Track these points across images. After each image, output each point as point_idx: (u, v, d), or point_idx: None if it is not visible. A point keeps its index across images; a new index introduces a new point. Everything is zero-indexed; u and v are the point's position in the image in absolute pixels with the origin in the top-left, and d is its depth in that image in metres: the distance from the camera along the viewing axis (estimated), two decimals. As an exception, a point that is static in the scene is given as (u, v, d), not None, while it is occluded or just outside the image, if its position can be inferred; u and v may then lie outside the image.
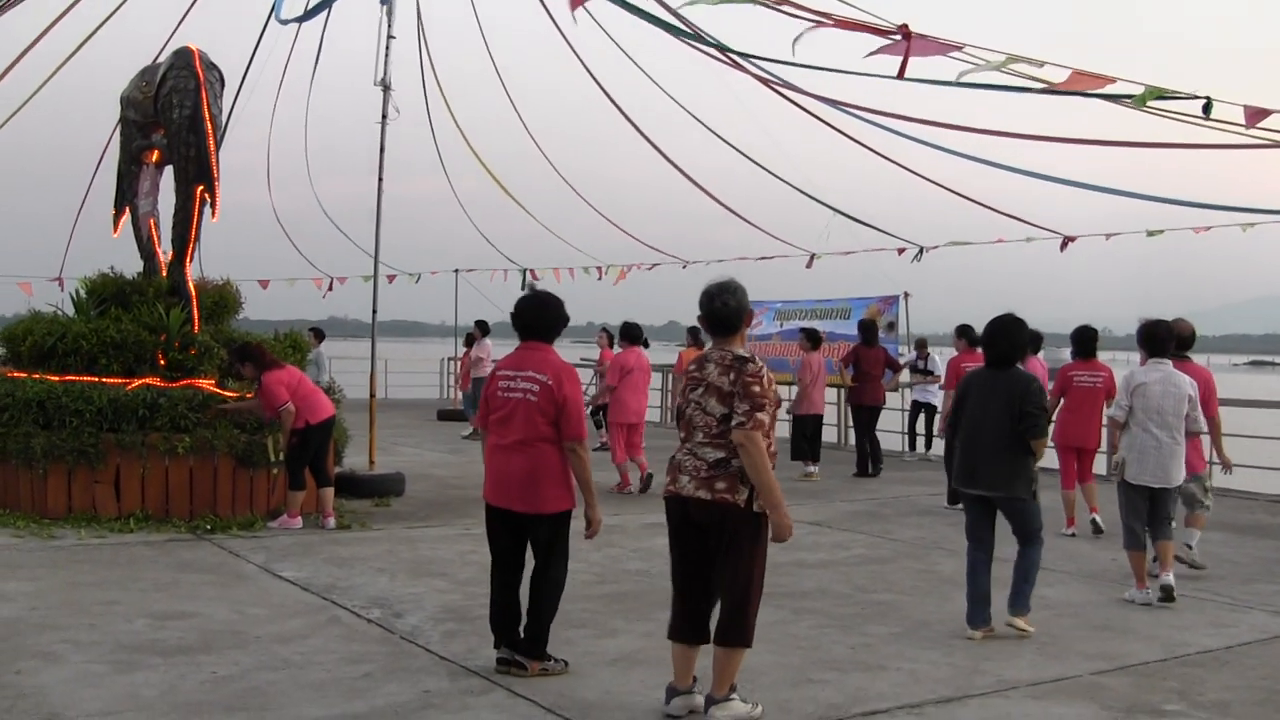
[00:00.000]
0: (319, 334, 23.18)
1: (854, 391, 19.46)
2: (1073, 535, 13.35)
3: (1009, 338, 9.03)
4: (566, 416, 7.46)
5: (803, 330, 19.87)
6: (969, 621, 8.84)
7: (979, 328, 11.30)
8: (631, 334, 17.45)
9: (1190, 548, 11.27)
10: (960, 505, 12.07)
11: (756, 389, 6.59)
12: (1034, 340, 14.16)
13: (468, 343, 25.13)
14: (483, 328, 25.03)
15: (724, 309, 6.85)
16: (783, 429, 23.22)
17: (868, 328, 20.01)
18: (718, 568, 6.83)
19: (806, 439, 18.81)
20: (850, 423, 20.63)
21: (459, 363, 27.74)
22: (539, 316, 7.71)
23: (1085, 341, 13.75)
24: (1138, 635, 8.87)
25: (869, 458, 19.14)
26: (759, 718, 6.76)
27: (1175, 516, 10.51)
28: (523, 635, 7.57)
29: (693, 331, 21.61)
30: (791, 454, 18.66)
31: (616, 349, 18.59)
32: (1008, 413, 8.70)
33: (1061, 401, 13.67)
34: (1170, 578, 10.00)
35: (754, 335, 24.53)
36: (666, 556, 11.16)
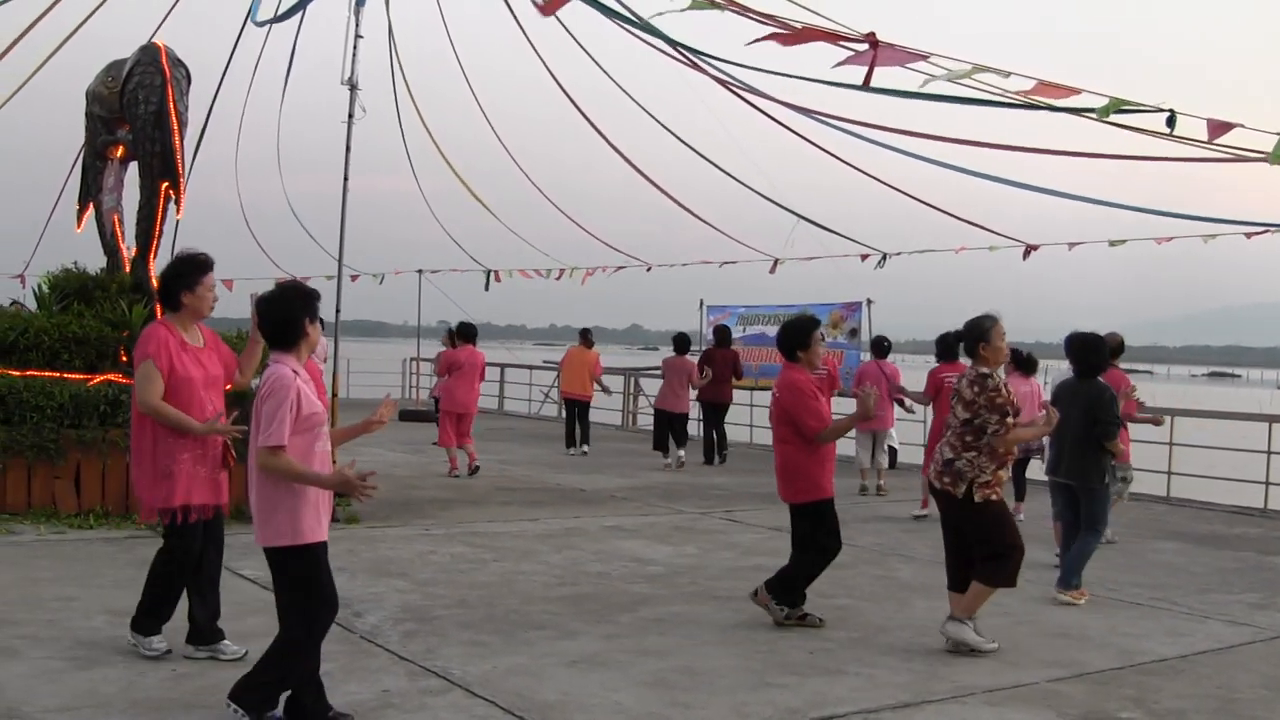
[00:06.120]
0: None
1: (703, 389, 21.20)
2: (924, 516, 15.06)
3: (1092, 353, 10.70)
4: (797, 419, 9.07)
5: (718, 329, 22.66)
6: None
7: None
8: (465, 333, 19.16)
9: None
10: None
11: (999, 399, 8.40)
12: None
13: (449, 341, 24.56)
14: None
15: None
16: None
17: (720, 331, 22.47)
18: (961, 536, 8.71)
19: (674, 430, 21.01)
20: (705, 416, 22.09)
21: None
22: (778, 339, 9.52)
23: (950, 346, 15.24)
24: (1094, 643, 8.94)
25: (715, 448, 21.53)
26: (984, 649, 8.47)
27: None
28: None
29: (583, 333, 23.50)
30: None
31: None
32: (1084, 417, 10.15)
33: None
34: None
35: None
36: (625, 560, 11.32)
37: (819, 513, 9.16)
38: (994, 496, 8.44)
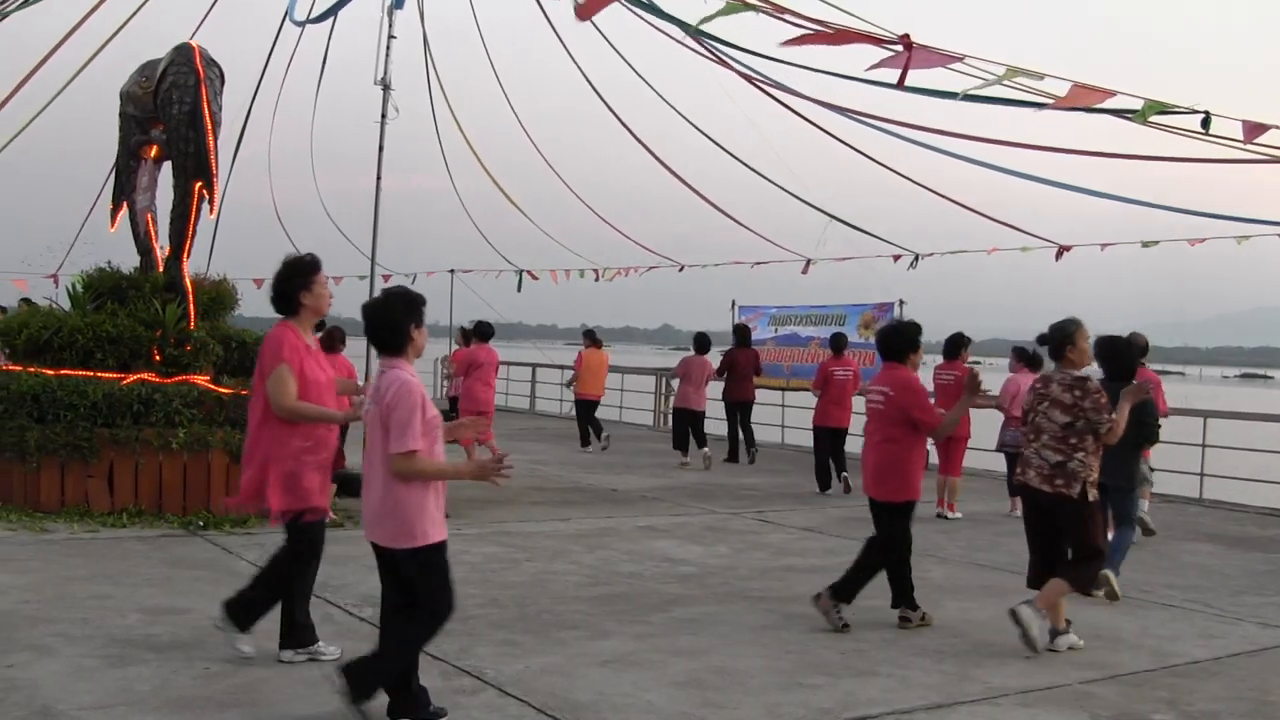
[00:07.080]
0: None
1: (727, 389, 21.27)
2: (939, 517, 15.43)
3: (1123, 357, 10.71)
4: (915, 417, 9.23)
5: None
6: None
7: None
8: (481, 331, 18.95)
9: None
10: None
11: (1104, 399, 8.56)
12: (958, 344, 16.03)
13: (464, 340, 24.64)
14: None
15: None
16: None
17: (740, 331, 22.26)
18: (1062, 538, 8.77)
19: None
20: (738, 418, 21.87)
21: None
22: (887, 342, 9.65)
23: (955, 346, 16.06)
24: (1127, 645, 8.91)
25: (744, 446, 21.45)
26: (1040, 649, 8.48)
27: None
28: None
29: (588, 334, 23.97)
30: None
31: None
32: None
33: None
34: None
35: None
36: (657, 560, 11.27)
37: (907, 512, 9.45)
38: (1093, 496, 8.64)
